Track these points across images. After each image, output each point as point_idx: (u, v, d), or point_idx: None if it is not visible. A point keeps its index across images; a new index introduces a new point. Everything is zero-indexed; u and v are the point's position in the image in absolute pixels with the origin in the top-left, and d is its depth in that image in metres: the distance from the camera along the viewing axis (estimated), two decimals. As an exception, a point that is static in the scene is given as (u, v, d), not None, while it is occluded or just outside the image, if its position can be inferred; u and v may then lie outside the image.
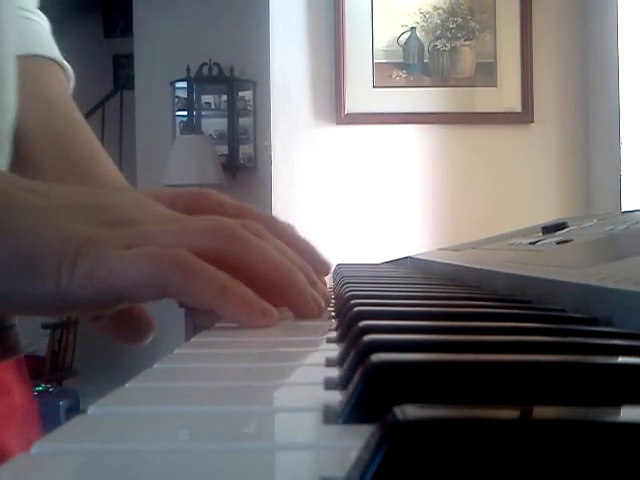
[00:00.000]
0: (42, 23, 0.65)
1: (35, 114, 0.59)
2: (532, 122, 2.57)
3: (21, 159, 0.56)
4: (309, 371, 0.29)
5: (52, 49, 0.64)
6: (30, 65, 0.60)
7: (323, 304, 0.44)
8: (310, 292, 0.42)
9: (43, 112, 0.60)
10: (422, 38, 2.58)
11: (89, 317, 0.44)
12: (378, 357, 0.22)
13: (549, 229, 0.82)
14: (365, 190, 2.58)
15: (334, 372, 0.27)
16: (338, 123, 2.57)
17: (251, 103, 4.20)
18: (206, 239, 0.38)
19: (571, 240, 0.66)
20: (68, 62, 0.66)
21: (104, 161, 0.62)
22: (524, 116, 2.56)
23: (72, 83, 0.67)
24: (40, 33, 0.64)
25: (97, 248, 0.35)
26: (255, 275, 0.39)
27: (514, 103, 2.56)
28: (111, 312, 0.42)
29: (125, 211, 0.39)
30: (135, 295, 0.36)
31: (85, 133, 0.63)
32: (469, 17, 2.58)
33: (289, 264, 0.41)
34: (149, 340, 0.44)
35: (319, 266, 0.53)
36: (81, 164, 0.60)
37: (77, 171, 0.59)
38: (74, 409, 3.07)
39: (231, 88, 4.16)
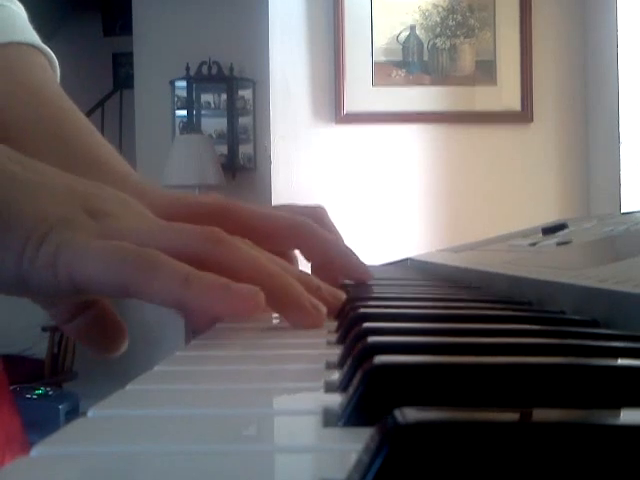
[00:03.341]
0: (18, 11, 0.61)
1: (22, 103, 0.56)
2: (532, 121, 2.57)
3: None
4: (309, 373, 0.29)
5: (32, 36, 0.60)
6: (11, 53, 0.57)
7: (324, 310, 0.40)
8: (307, 297, 0.39)
9: (30, 101, 0.57)
10: (421, 36, 2.58)
11: (59, 321, 0.41)
12: (378, 359, 0.22)
13: (549, 230, 0.82)
14: (365, 190, 2.58)
15: (334, 374, 0.27)
16: (337, 122, 2.57)
17: (251, 102, 4.20)
18: (184, 239, 0.36)
19: (571, 241, 0.66)
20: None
21: (102, 147, 0.58)
22: (524, 115, 2.56)
23: (57, 71, 0.63)
24: (17, 20, 0.60)
25: (69, 232, 0.34)
26: (241, 280, 0.37)
27: (514, 102, 2.56)
28: (85, 317, 0.40)
29: (109, 204, 0.37)
30: (95, 288, 0.34)
31: (77, 120, 0.59)
32: (469, 15, 2.58)
33: (279, 270, 0.38)
34: (120, 351, 0.41)
35: (354, 276, 0.53)
36: (77, 152, 0.56)
37: (73, 160, 0.55)
38: (74, 412, 3.06)
39: (231, 87, 4.16)
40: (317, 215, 0.54)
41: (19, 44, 0.58)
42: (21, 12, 0.61)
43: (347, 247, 0.53)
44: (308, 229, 0.50)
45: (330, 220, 0.55)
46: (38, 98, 0.58)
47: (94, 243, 0.34)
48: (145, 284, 0.33)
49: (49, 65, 0.62)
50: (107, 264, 0.33)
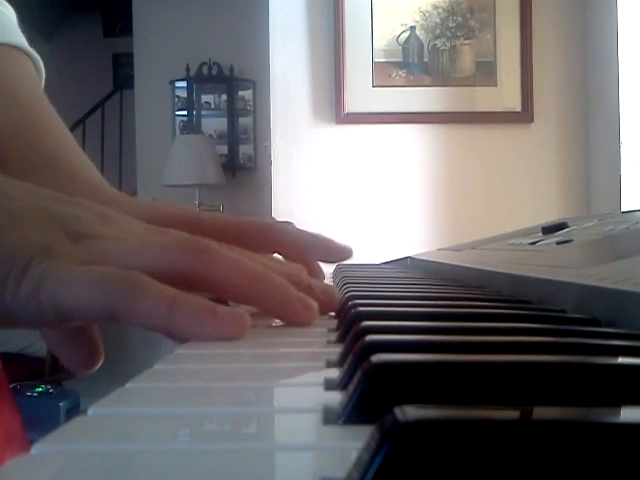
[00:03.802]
0: (5, 11, 0.60)
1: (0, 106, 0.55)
2: (532, 122, 2.57)
3: None
4: (309, 372, 0.29)
5: (18, 38, 0.59)
6: None
7: (316, 307, 0.40)
8: (297, 295, 0.39)
9: (6, 104, 0.56)
10: (422, 37, 2.58)
11: (40, 331, 0.41)
12: (378, 357, 0.22)
13: (549, 229, 0.82)
14: (365, 190, 2.58)
15: (334, 373, 0.27)
16: (338, 123, 2.57)
17: (251, 103, 4.20)
18: (167, 255, 0.36)
19: (571, 240, 0.66)
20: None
21: (76, 156, 0.57)
22: (524, 115, 2.56)
23: (42, 74, 0.62)
24: (3, 20, 0.59)
25: (50, 260, 0.33)
26: (228, 291, 0.37)
27: (514, 102, 2.56)
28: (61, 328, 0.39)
29: (89, 224, 0.36)
30: (81, 315, 0.34)
31: (55, 126, 0.58)
32: (469, 16, 2.58)
33: (264, 270, 0.38)
34: (94, 369, 0.41)
35: (336, 256, 0.53)
36: (50, 162, 0.55)
37: (46, 167, 0.54)
38: (74, 410, 3.06)
39: (231, 87, 4.16)
40: (286, 224, 0.55)
41: (4, 45, 0.57)
42: (8, 12, 0.60)
43: (321, 235, 0.53)
44: (279, 229, 0.50)
45: (298, 228, 0.55)
46: (17, 101, 0.57)
47: (77, 270, 0.33)
48: (131, 308, 0.33)
49: (34, 68, 0.61)
50: (91, 291, 0.33)
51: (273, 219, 0.57)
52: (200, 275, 0.36)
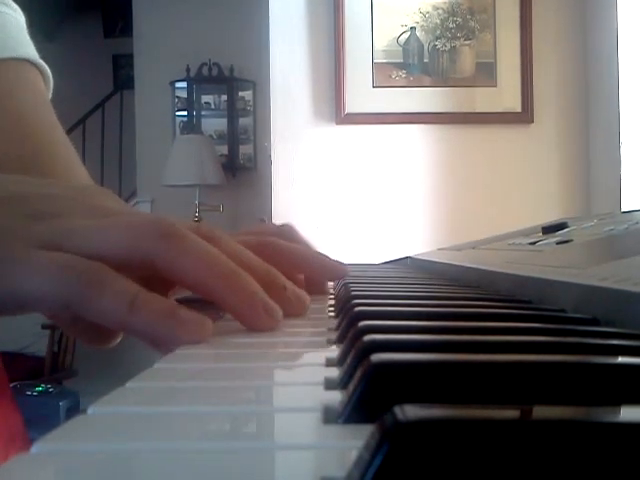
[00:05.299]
0: (15, 15, 0.59)
1: (4, 131, 0.55)
2: (532, 122, 2.57)
3: None
4: (309, 371, 0.29)
5: (26, 47, 0.58)
6: (0, 70, 0.56)
7: (280, 316, 0.37)
8: (262, 300, 0.36)
9: (13, 129, 0.55)
10: (422, 38, 2.58)
11: (60, 323, 0.40)
12: (378, 357, 0.22)
13: (549, 229, 0.82)
14: (365, 190, 2.58)
15: (334, 372, 0.27)
16: (338, 123, 2.57)
17: (251, 103, 4.21)
18: (135, 239, 0.34)
19: (571, 240, 0.66)
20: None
21: (63, 154, 0.57)
22: (524, 116, 2.56)
23: (50, 83, 0.62)
24: (13, 30, 0.58)
25: (8, 244, 0.32)
26: (191, 282, 0.35)
27: (514, 103, 2.57)
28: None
29: (54, 203, 0.35)
30: (36, 305, 0.32)
31: (46, 126, 0.57)
32: (469, 17, 2.58)
33: (235, 268, 0.36)
34: (113, 343, 0.40)
35: (330, 275, 0.53)
36: (37, 159, 0.54)
37: (33, 166, 0.54)
38: (74, 409, 3.06)
39: (231, 88, 4.17)
40: (284, 232, 0.53)
41: (10, 59, 0.57)
42: (18, 16, 0.60)
43: (317, 251, 0.53)
44: (272, 246, 0.48)
45: (299, 234, 0.55)
46: (20, 124, 0.56)
47: (35, 255, 0.32)
48: (88, 303, 0.31)
49: (41, 78, 0.60)
50: (49, 281, 0.31)
51: (277, 226, 0.55)
52: (166, 262, 0.34)
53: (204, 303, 0.37)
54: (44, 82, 0.62)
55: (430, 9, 2.58)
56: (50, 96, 0.62)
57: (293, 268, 0.50)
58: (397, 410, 0.16)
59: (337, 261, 0.53)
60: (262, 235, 0.50)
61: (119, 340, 0.40)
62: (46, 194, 0.36)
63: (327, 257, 0.52)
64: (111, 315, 0.32)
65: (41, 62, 0.60)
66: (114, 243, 0.34)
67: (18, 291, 0.32)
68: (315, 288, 0.54)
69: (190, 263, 0.34)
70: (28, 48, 0.59)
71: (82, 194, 0.37)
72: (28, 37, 0.60)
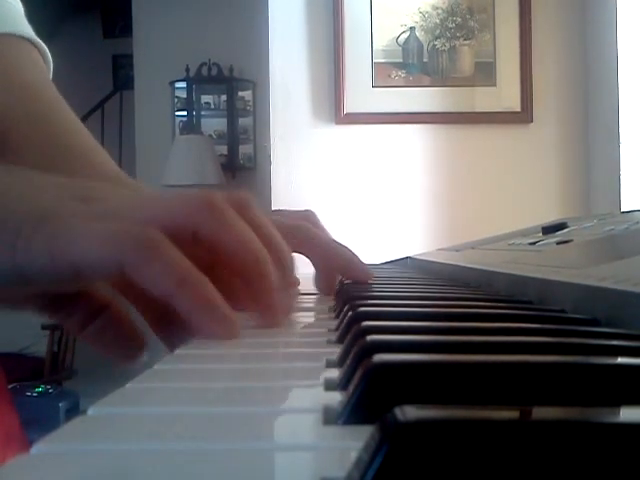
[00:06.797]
0: (14, 3, 0.60)
1: (12, 98, 0.55)
2: (531, 122, 2.57)
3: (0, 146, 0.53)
4: (309, 372, 0.29)
5: (26, 28, 0.59)
6: (4, 44, 0.57)
7: (282, 313, 0.39)
8: (277, 292, 0.38)
9: (21, 96, 0.56)
10: (421, 38, 2.58)
11: (74, 331, 0.41)
12: (378, 358, 0.22)
13: (549, 229, 0.82)
14: (364, 190, 2.58)
15: (334, 373, 0.27)
16: (337, 123, 2.57)
17: (250, 103, 4.20)
18: (181, 212, 0.35)
19: (571, 240, 0.66)
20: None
21: (90, 146, 0.58)
22: (523, 116, 2.56)
23: (50, 65, 0.62)
24: (12, 11, 0.59)
25: (62, 218, 0.33)
26: (225, 256, 0.36)
27: (513, 103, 2.56)
28: (98, 322, 0.39)
29: (97, 191, 0.37)
30: (92, 269, 0.33)
31: (68, 116, 0.58)
32: (468, 17, 2.58)
33: (264, 254, 0.37)
34: (140, 359, 0.40)
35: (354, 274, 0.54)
36: (66, 151, 0.56)
37: (61, 158, 0.55)
38: (74, 410, 3.06)
39: (230, 88, 4.16)
40: (310, 219, 0.54)
41: (12, 35, 0.58)
42: (17, 5, 0.60)
43: (346, 247, 0.53)
44: (307, 232, 0.51)
45: (321, 223, 0.55)
46: (29, 93, 0.57)
47: (90, 226, 0.33)
48: (142, 264, 0.32)
49: (42, 59, 0.61)
50: (106, 244, 0.32)
51: (302, 212, 0.56)
52: (207, 235, 0.35)
53: None
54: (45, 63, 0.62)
55: (429, 9, 2.58)
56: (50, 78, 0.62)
57: (320, 259, 0.51)
58: (397, 411, 0.16)
59: (363, 263, 0.54)
60: (294, 219, 0.51)
61: (142, 358, 0.41)
62: (94, 186, 0.37)
63: (357, 257, 0.53)
64: (161, 281, 0.32)
65: (41, 43, 0.60)
66: (160, 215, 0.35)
67: (74, 258, 0.33)
68: (326, 285, 0.55)
69: (228, 237, 0.36)
70: (28, 29, 0.59)
71: (121, 187, 0.39)
72: (27, 23, 0.60)
